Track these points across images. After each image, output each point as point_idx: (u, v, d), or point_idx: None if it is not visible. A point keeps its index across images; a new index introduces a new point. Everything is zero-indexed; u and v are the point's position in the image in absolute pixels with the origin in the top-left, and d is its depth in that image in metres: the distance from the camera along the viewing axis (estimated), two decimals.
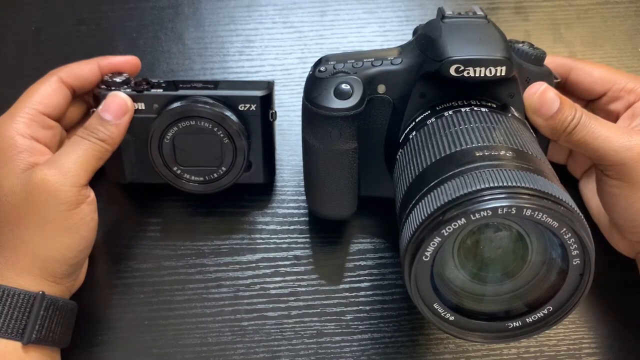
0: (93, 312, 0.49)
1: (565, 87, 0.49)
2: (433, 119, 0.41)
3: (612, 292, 0.50)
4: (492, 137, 0.38)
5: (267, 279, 0.50)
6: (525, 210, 0.32)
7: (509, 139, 0.38)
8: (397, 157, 0.43)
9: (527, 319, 0.37)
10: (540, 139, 0.43)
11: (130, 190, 0.52)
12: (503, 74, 0.40)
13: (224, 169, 0.47)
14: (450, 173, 0.35)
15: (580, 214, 0.34)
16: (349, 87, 0.43)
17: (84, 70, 0.47)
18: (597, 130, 0.41)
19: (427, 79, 0.42)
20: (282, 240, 0.52)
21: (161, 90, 0.46)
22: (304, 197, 0.52)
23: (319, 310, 0.50)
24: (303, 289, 0.50)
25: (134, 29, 0.56)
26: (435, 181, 0.35)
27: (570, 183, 0.51)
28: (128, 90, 0.46)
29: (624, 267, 0.48)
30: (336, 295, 0.50)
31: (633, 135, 0.41)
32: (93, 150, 0.43)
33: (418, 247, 0.34)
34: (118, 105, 0.44)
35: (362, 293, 0.50)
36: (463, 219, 0.33)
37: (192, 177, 0.47)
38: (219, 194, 0.48)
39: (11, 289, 0.41)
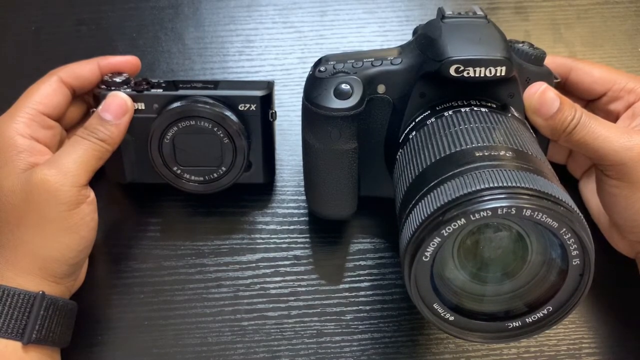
0: (93, 312, 0.49)
1: (565, 87, 0.49)
2: (433, 119, 0.41)
3: (612, 292, 0.50)
4: (492, 137, 0.38)
5: (267, 279, 0.51)
6: (525, 210, 0.32)
7: (509, 139, 0.38)
8: (397, 157, 0.43)
9: (527, 319, 0.37)
10: (540, 139, 0.43)
11: (130, 190, 0.52)
12: (503, 74, 0.40)
13: (224, 169, 0.47)
14: (450, 173, 0.35)
15: (580, 214, 0.34)
16: (349, 87, 0.43)
17: (84, 70, 0.47)
18: (597, 130, 0.41)
19: (427, 79, 0.42)
20: (282, 240, 0.52)
21: (161, 90, 0.46)
22: (304, 197, 0.52)
23: (319, 310, 0.50)
24: (303, 289, 0.50)
25: (134, 29, 0.56)
26: (435, 181, 0.35)
27: (570, 183, 0.51)
28: (128, 90, 0.46)
29: (624, 267, 0.48)
30: (336, 295, 0.50)
31: (633, 135, 0.41)
32: (93, 150, 0.43)
33: (418, 247, 0.34)
34: (118, 105, 0.44)
35: (362, 293, 0.50)
36: (463, 219, 0.33)
37: (192, 177, 0.47)
38: (219, 194, 0.48)
39: (11, 289, 0.41)
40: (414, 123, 0.42)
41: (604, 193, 0.44)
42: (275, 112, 0.48)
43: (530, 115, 0.43)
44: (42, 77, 0.46)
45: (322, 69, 0.44)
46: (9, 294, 0.41)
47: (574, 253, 0.34)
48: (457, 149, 0.37)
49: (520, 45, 0.44)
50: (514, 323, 0.37)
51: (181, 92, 0.46)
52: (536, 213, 0.33)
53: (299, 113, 0.45)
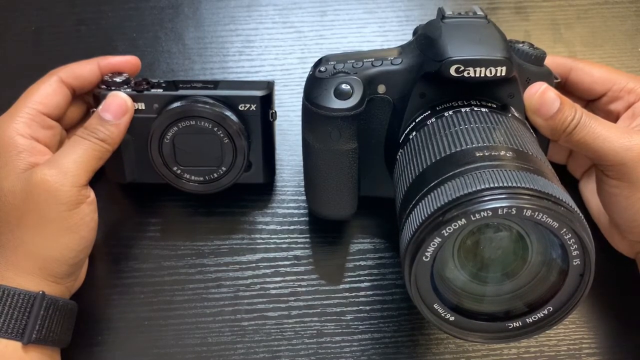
0: (93, 312, 0.49)
1: (565, 87, 0.49)
2: (433, 119, 0.41)
3: (612, 292, 0.50)
4: (492, 138, 0.38)
5: (267, 279, 0.51)
6: (525, 210, 0.32)
7: (509, 139, 0.38)
8: (397, 157, 0.43)
9: (527, 319, 0.37)
10: (540, 139, 0.43)
11: (130, 190, 0.52)
12: (503, 74, 0.40)
13: (224, 169, 0.47)
14: (451, 173, 0.35)
15: (581, 214, 0.34)
16: (349, 87, 0.43)
17: (84, 70, 0.47)
18: (597, 130, 0.41)
19: (427, 79, 0.42)
20: (282, 240, 0.52)
21: (161, 90, 0.46)
22: (304, 197, 0.52)
23: (319, 310, 0.50)
24: (303, 289, 0.50)
25: (134, 29, 0.56)
26: (436, 181, 0.35)
27: (570, 183, 0.51)
28: (128, 90, 0.46)
29: (624, 267, 0.48)
30: (336, 295, 0.50)
31: (633, 135, 0.41)
32: (93, 150, 0.43)
33: (418, 247, 0.34)
34: (118, 105, 0.44)
35: (362, 293, 0.50)
36: (463, 220, 0.33)
37: (192, 177, 0.47)
38: (219, 194, 0.48)
39: (11, 289, 0.41)
40: (414, 123, 0.42)
41: (604, 193, 0.44)
42: (276, 112, 0.48)
43: (530, 116, 0.43)
44: (42, 77, 0.46)
45: (322, 69, 0.44)
46: (9, 294, 0.41)
47: (575, 253, 0.34)
48: (458, 149, 0.37)
49: (521, 45, 0.44)
50: (514, 323, 0.37)
51: (181, 92, 0.46)
52: (536, 213, 0.33)
53: (299, 113, 0.45)
